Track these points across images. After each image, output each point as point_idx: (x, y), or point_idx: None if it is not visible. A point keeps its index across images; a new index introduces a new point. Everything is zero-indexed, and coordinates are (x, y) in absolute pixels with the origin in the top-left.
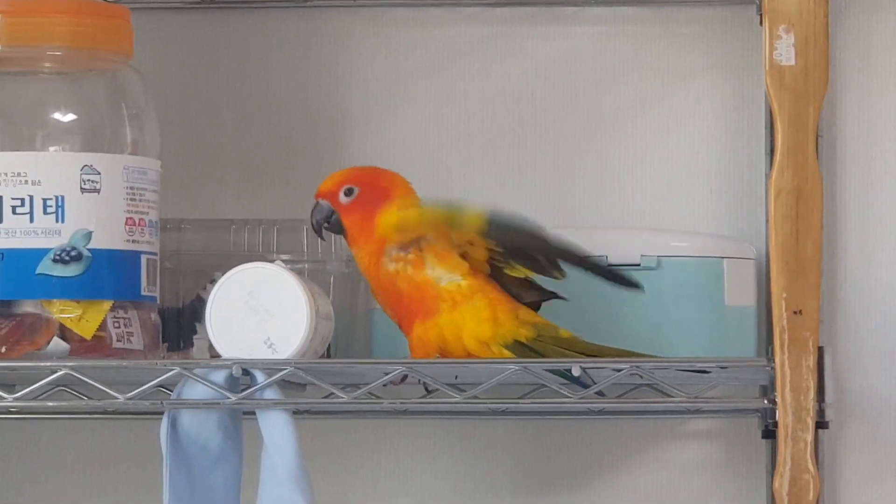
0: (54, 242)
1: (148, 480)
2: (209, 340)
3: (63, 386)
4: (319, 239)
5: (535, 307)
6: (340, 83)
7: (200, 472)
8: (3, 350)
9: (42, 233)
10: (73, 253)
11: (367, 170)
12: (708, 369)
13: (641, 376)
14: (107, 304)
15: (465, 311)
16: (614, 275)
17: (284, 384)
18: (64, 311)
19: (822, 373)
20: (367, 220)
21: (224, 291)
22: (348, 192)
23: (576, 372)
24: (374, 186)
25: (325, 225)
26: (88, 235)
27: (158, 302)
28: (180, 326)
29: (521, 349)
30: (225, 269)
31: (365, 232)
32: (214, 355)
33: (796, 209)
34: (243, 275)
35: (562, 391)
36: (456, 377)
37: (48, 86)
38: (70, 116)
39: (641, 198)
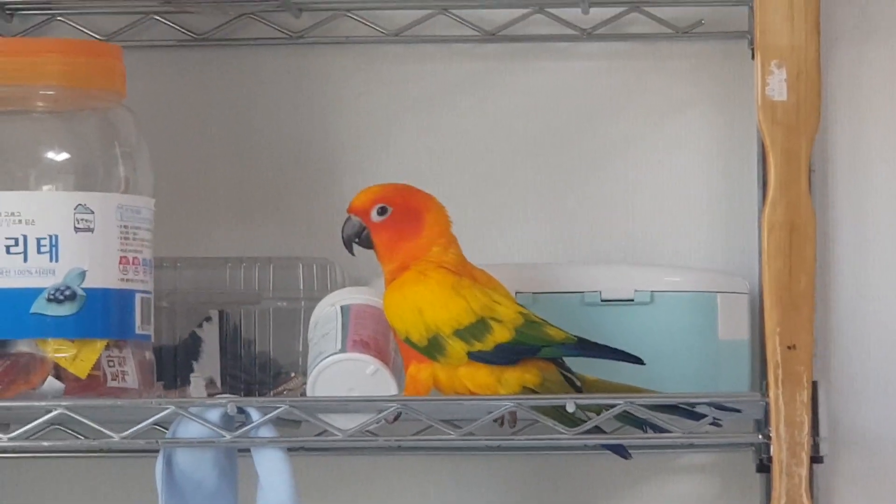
0: (48, 282)
1: None
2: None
3: (58, 425)
4: (349, 254)
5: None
6: (332, 119)
7: None
8: None
9: (36, 272)
10: (67, 292)
11: (401, 189)
12: (703, 413)
13: (634, 414)
14: (101, 344)
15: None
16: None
17: (279, 422)
18: (58, 351)
19: (817, 407)
20: (397, 241)
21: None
22: (381, 211)
23: (570, 408)
24: (407, 207)
25: (356, 240)
26: (82, 275)
27: (153, 340)
28: (176, 364)
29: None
30: (221, 307)
31: (392, 251)
32: (213, 393)
33: (789, 243)
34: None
35: (556, 427)
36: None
37: (41, 125)
38: (63, 155)
39: (634, 232)
